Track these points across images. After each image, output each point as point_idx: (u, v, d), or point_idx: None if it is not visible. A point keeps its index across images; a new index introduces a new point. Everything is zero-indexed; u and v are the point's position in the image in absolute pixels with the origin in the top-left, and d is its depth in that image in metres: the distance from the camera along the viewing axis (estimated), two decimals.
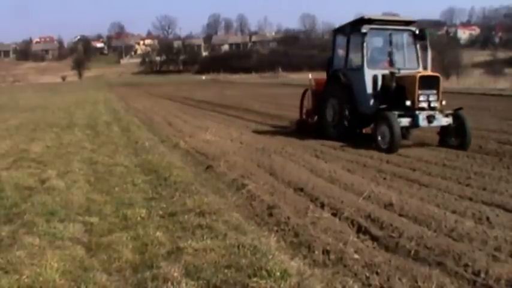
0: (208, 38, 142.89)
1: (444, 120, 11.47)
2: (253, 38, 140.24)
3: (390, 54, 12.71)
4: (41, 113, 23.99)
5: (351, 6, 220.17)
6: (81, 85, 72.99)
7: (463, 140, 11.22)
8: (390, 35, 12.75)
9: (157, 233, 5.63)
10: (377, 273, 4.64)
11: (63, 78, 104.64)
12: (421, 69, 12.62)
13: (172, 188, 7.75)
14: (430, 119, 11.31)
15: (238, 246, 5.06)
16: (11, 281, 4.40)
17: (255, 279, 4.30)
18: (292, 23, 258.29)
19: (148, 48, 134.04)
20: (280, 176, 8.79)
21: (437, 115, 11.43)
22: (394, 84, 11.82)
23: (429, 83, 11.51)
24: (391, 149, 10.87)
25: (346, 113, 12.78)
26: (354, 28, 12.84)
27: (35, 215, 6.35)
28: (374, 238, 5.65)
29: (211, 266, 4.64)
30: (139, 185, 8.14)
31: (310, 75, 15.95)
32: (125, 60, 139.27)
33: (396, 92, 11.72)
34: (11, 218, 6.43)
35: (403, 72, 12.11)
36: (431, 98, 11.44)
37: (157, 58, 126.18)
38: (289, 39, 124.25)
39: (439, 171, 8.94)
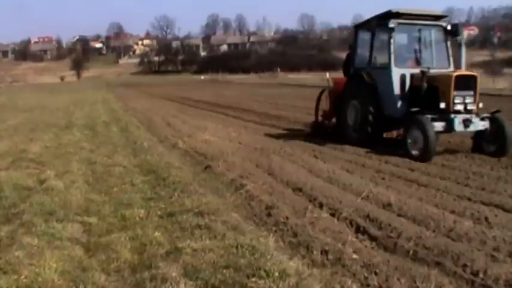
0: (206, 38, 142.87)
1: (481, 124, 10.43)
2: (252, 38, 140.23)
3: (418, 51, 11.76)
4: (39, 113, 23.97)
5: (350, 6, 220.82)
6: (79, 85, 72.94)
7: (501, 146, 10.24)
8: (419, 30, 11.80)
9: (156, 233, 5.63)
10: (375, 273, 4.64)
11: (62, 79, 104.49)
12: (452, 68, 11.65)
13: (171, 188, 7.75)
14: (466, 123, 10.25)
15: (236, 246, 5.07)
16: (9, 281, 4.41)
17: (253, 279, 4.31)
18: (291, 23, 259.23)
19: (147, 49, 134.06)
20: (279, 176, 8.79)
21: (474, 119, 10.38)
22: (425, 85, 10.66)
23: (466, 83, 10.48)
24: (424, 156, 9.90)
25: (370, 116, 11.72)
26: (380, 23, 11.72)
27: (34, 215, 6.35)
28: (372, 238, 5.66)
29: (209, 266, 4.64)
30: (138, 185, 8.14)
31: (327, 75, 15.18)
32: (123, 61, 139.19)
33: (428, 93, 10.64)
34: (9, 218, 6.43)
35: (433, 71, 10.96)
36: (467, 100, 10.41)
37: (156, 58, 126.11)
38: (287, 39, 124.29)
39: (437, 172, 8.95)
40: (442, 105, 10.33)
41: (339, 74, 14.32)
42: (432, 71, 10.89)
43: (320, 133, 13.67)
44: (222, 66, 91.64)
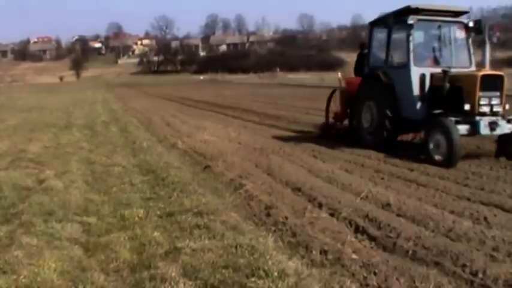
0: (206, 38, 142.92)
1: (507, 127, 9.84)
2: (251, 38, 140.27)
3: (438, 50, 11.18)
4: (38, 113, 23.96)
5: (349, 6, 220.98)
6: (79, 85, 72.92)
7: None
8: (439, 27, 11.15)
9: (155, 233, 5.63)
10: (375, 273, 4.64)
11: (61, 79, 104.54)
12: (473, 67, 11.03)
13: (170, 188, 7.75)
14: (492, 126, 9.65)
15: (236, 246, 5.06)
16: (8, 281, 4.40)
17: (252, 279, 4.30)
18: (290, 23, 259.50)
19: (146, 49, 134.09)
20: (278, 176, 8.79)
21: (501, 121, 9.78)
22: (447, 85, 10.00)
23: (492, 83, 9.84)
24: (448, 161, 9.31)
25: (387, 118, 11.05)
26: (398, 19, 11.07)
27: (33, 215, 6.34)
28: (372, 238, 5.66)
29: (209, 266, 4.64)
30: (137, 185, 8.14)
31: (339, 74, 14.40)
32: (122, 61, 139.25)
33: (451, 94, 9.98)
34: (8, 218, 6.42)
35: (454, 71, 10.29)
36: (493, 101, 9.77)
37: (155, 58, 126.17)
38: (287, 39, 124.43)
39: (436, 171, 8.95)
40: (467, 106, 9.72)
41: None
42: (453, 71, 10.27)
43: (330, 135, 13.18)
44: (221, 66, 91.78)
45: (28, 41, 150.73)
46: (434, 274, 4.55)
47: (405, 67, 10.87)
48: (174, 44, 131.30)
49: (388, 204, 6.78)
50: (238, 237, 5.33)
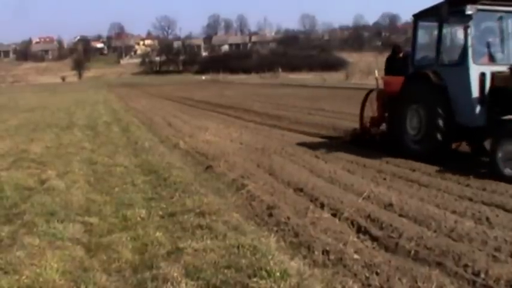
0: (208, 39, 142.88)
1: None
2: (253, 39, 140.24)
3: (497, 44, 9.82)
4: (40, 114, 24.01)
5: (351, 6, 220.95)
6: (80, 85, 73.00)
7: None
8: (500, 18, 9.63)
9: (157, 233, 5.64)
10: (377, 273, 4.64)
11: (63, 79, 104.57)
12: None
13: (172, 189, 7.76)
14: None
15: (238, 247, 5.07)
16: (10, 281, 4.41)
17: (254, 279, 4.31)
18: (292, 24, 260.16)
19: (148, 49, 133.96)
20: (280, 176, 8.79)
21: None
22: None
23: None
24: None
25: (440, 124, 9.51)
26: (453, 9, 9.49)
27: (35, 216, 6.35)
28: (374, 238, 5.66)
29: (211, 266, 4.64)
30: (139, 186, 8.15)
31: (376, 73, 12.64)
32: (124, 61, 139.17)
33: None
34: (10, 218, 6.44)
35: None
36: None
37: (157, 58, 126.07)
38: (289, 39, 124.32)
39: (438, 172, 8.92)
40: None
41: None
42: None
43: (364, 142, 11.67)
44: (223, 67, 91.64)
45: (30, 41, 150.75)
46: (437, 274, 4.55)
47: (461, 65, 9.41)
48: (176, 44, 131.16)
49: (390, 205, 6.77)
50: (240, 238, 5.33)
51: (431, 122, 9.70)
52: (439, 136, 9.57)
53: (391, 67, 12.07)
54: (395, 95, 10.63)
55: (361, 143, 11.63)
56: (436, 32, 10.09)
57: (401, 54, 11.97)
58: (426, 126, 9.87)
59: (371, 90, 12.28)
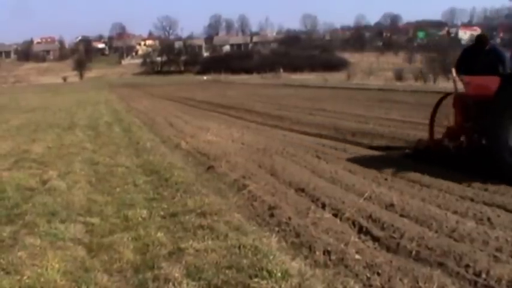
0: (209, 39, 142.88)
1: None
2: (255, 39, 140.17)
3: None
4: (42, 114, 24.04)
5: (352, 6, 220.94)
6: (82, 86, 73.02)
7: None
8: None
9: (159, 234, 5.64)
10: (378, 273, 4.63)
11: (64, 79, 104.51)
12: None
13: (174, 189, 7.76)
14: None
15: (239, 247, 5.07)
16: (12, 281, 4.42)
17: (256, 279, 4.31)
18: (294, 24, 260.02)
19: (150, 49, 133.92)
20: (282, 176, 8.79)
21: None
22: None
23: None
24: None
25: None
26: None
27: (36, 216, 6.36)
28: (375, 239, 5.65)
29: (212, 267, 4.64)
30: (141, 186, 8.15)
31: (453, 73, 9.96)
32: (126, 61, 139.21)
33: None
34: (12, 218, 6.45)
35: None
36: None
37: (159, 59, 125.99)
38: (290, 39, 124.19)
39: (440, 172, 8.90)
40: None
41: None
42: None
43: (434, 156, 9.29)
44: (225, 67, 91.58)
45: (31, 42, 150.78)
46: (438, 274, 4.55)
47: None
48: (178, 44, 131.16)
49: (392, 205, 6.76)
50: (242, 238, 5.33)
51: None
52: None
53: (472, 61, 9.81)
54: (485, 100, 8.34)
55: (432, 157, 9.34)
56: None
57: (487, 47, 9.75)
58: None
59: (447, 95, 10.09)
